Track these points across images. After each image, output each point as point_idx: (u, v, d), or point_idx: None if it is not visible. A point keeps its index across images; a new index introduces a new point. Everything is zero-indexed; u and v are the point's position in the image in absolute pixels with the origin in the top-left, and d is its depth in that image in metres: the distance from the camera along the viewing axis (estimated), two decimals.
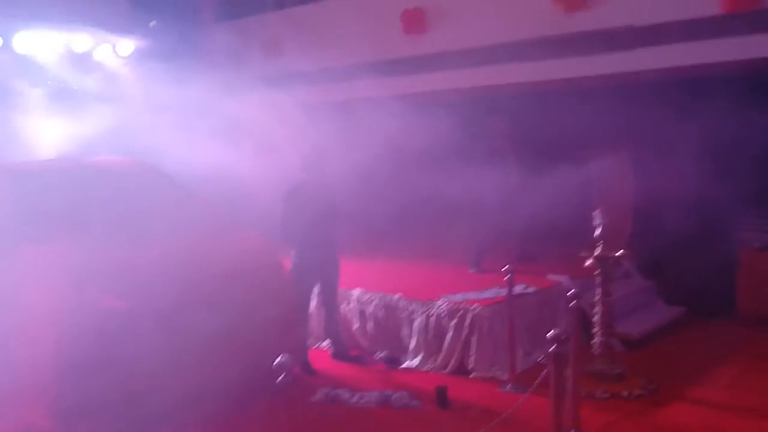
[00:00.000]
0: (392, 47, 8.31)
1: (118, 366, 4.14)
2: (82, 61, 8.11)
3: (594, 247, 5.40)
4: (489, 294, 6.08)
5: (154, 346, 4.17)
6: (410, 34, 8.11)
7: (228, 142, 7.25)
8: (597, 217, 5.50)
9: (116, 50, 8.26)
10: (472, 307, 5.73)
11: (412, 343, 5.99)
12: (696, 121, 6.98)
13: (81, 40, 7.94)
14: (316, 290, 6.02)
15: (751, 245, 7.31)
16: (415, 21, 8.06)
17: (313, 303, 6.17)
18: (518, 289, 5.80)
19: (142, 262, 4.53)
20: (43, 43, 7.65)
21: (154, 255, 4.63)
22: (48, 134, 7.43)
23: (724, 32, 6.35)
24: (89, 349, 4.02)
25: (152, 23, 8.24)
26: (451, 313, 5.81)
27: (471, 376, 5.61)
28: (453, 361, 5.73)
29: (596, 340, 5.43)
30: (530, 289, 6.24)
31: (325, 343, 6.27)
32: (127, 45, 8.27)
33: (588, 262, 5.43)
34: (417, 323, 5.99)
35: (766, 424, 4.71)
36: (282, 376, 3.85)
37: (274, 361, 3.89)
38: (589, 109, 7.52)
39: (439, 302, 5.94)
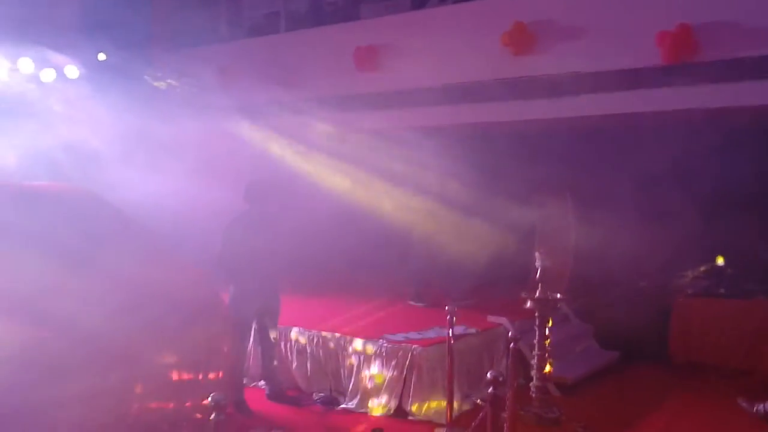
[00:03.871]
0: (344, 83, 8.33)
1: (40, 397, 3.94)
2: (27, 83, 7.88)
3: (534, 290, 5.48)
4: (430, 334, 6.05)
5: (78, 377, 4.00)
6: (362, 71, 8.16)
7: (175, 171, 7.14)
8: (538, 260, 5.59)
9: (64, 73, 8.08)
10: (412, 347, 5.68)
11: (351, 384, 5.91)
12: (635, 168, 7.22)
13: (26, 61, 7.74)
14: (254, 326, 5.89)
15: (684, 292, 7.52)
16: (367, 58, 8.10)
17: (251, 340, 6.04)
18: (459, 330, 5.79)
19: (72, 290, 4.37)
20: None
21: (86, 283, 4.47)
22: None
23: (665, 82, 6.54)
24: (9, 378, 3.82)
25: (101, 55, 8.08)
26: (391, 353, 5.75)
27: (409, 417, 5.55)
28: (391, 403, 5.66)
29: (534, 383, 5.47)
30: (471, 330, 6.24)
31: (262, 383, 6.10)
32: (74, 69, 8.10)
33: (528, 305, 5.49)
34: (356, 363, 5.91)
35: None
36: (214, 414, 3.73)
37: (207, 399, 3.76)
38: (534, 152, 7.71)
39: (380, 342, 5.87)
